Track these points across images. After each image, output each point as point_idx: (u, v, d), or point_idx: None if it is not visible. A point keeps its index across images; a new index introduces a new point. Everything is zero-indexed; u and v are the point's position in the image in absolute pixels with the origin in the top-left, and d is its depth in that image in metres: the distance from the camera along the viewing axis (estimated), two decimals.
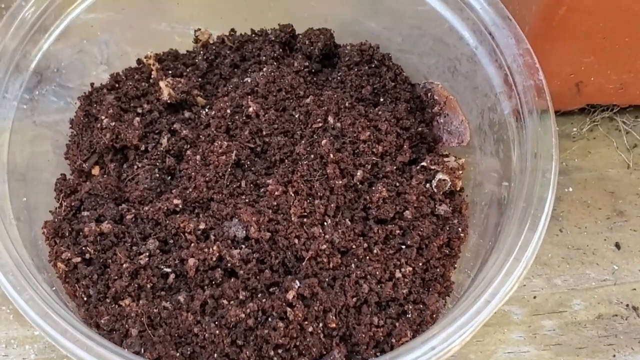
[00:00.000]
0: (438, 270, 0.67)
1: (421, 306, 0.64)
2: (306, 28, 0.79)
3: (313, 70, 0.76)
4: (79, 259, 0.63)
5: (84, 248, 0.63)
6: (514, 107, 0.64)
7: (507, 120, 0.65)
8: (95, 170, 0.70)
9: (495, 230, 0.65)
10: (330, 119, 0.70)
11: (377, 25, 0.80)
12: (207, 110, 0.73)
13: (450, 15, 0.70)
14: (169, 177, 0.70)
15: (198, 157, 0.69)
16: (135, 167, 0.69)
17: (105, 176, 0.69)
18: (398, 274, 0.65)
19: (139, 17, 0.81)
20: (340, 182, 0.67)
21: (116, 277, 0.62)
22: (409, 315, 0.63)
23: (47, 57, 0.74)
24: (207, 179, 0.67)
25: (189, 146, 0.70)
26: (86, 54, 0.83)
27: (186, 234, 0.64)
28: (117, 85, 0.74)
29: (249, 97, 0.71)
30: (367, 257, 0.64)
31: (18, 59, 0.70)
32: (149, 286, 0.62)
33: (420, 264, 0.66)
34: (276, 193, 0.66)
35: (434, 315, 0.65)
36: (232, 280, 0.62)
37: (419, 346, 0.56)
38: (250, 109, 0.70)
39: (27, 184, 0.69)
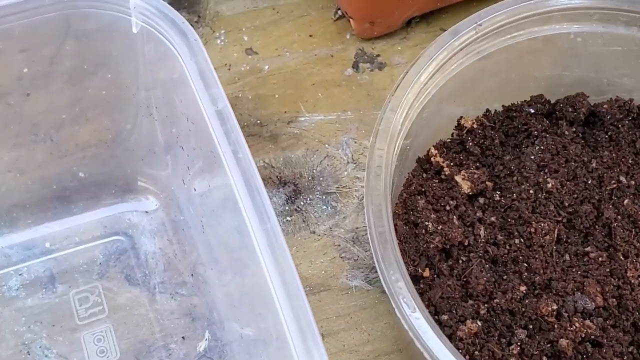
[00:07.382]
0: None
1: None
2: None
3: (580, 135, 0.81)
4: None
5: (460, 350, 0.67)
6: None
7: None
8: (426, 273, 0.73)
9: None
10: (623, 179, 0.75)
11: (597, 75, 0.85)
12: (498, 192, 0.77)
13: None
14: (494, 265, 0.73)
15: (516, 240, 0.73)
16: (460, 261, 0.73)
17: (438, 277, 0.72)
18: None
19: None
20: None
21: None
22: None
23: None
24: (539, 260, 0.71)
25: (497, 231, 0.74)
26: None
27: (545, 317, 0.68)
28: (422, 189, 0.76)
29: (542, 173, 0.76)
30: None
31: None
32: None
33: None
34: (600, 259, 0.71)
35: None
36: (603, 349, 0.67)
37: None
38: (549, 185, 0.75)
39: None
